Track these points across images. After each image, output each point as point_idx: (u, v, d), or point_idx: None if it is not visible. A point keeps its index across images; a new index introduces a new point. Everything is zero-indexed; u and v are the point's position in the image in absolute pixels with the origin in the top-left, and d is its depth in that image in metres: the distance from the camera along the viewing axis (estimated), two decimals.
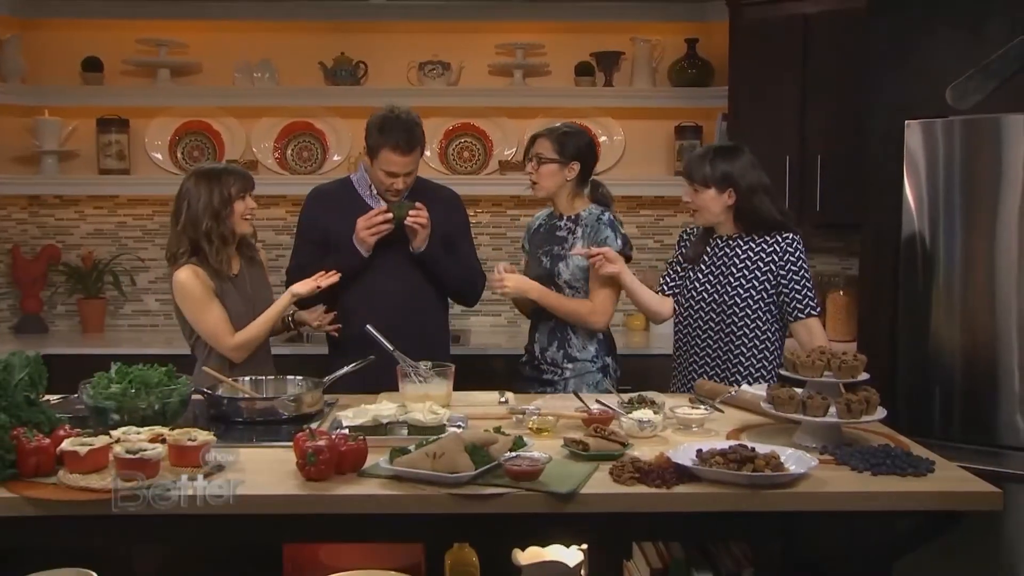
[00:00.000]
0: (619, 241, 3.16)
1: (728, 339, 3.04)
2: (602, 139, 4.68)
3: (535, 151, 3.23)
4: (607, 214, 3.22)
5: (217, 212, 2.99)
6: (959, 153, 3.37)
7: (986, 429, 3.33)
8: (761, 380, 3.00)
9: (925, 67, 3.45)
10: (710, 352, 3.07)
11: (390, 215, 3.15)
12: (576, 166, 3.21)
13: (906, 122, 3.46)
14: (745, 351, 3.03)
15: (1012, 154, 3.26)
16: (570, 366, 3.23)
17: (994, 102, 3.09)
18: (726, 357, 3.04)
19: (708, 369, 3.07)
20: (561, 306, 3.20)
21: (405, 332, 2.99)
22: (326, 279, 3.06)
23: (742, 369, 3.03)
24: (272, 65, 4.57)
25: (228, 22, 4.56)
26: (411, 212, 3.15)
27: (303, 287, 3.06)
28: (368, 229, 3.15)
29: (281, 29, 4.61)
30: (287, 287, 3.29)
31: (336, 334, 3.21)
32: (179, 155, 4.62)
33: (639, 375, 3.44)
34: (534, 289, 3.18)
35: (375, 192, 3.29)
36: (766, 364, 3.04)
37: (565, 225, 3.26)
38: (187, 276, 2.99)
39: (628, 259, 3.19)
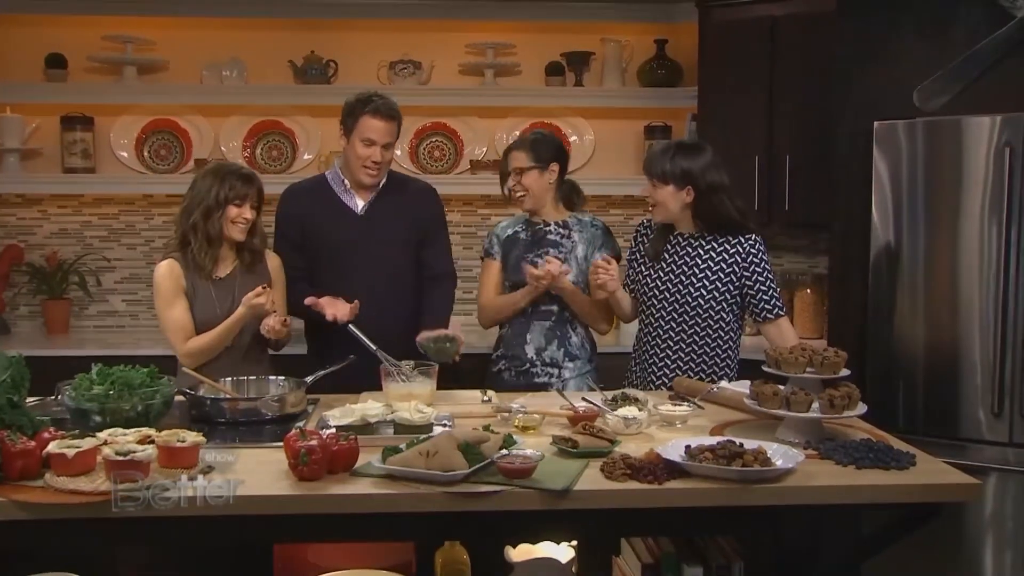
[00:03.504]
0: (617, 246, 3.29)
1: (691, 336, 3.05)
2: (572, 139, 4.70)
3: (512, 165, 3.23)
4: (598, 220, 3.33)
5: (209, 210, 2.97)
6: (922, 154, 3.45)
7: (949, 423, 3.42)
8: (722, 375, 3.05)
9: (892, 69, 3.53)
10: (671, 349, 3.08)
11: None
12: (556, 167, 3.23)
13: (874, 123, 3.53)
14: (708, 348, 3.06)
15: (973, 155, 3.35)
16: (570, 364, 3.23)
17: (955, 104, 3.17)
18: (688, 354, 3.06)
19: (669, 365, 3.08)
20: (588, 304, 3.22)
21: (382, 332, 2.99)
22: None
23: (705, 366, 3.06)
24: (241, 63, 4.51)
25: (196, 19, 4.49)
26: (456, 354, 3.01)
27: (257, 297, 2.98)
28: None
29: (250, 27, 4.55)
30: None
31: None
32: (145, 154, 4.55)
33: (614, 372, 3.45)
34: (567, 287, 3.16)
35: (348, 186, 3.25)
36: (729, 361, 3.09)
37: (556, 230, 3.27)
38: (162, 270, 3.01)
39: (619, 260, 3.24)
